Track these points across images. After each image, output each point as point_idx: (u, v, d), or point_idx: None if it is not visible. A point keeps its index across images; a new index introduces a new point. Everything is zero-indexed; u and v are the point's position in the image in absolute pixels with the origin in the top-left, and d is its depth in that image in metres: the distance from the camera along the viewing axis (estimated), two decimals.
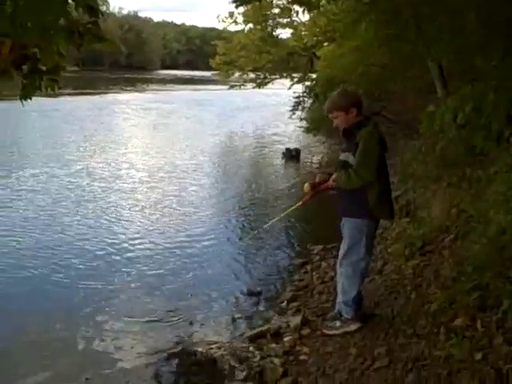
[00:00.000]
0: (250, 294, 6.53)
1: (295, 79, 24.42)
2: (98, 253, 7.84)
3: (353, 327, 4.76)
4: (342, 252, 4.76)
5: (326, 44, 21.03)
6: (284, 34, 25.46)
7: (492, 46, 6.44)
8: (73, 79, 39.98)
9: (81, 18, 3.04)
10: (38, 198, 10.88)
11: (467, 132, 6.29)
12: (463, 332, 4.17)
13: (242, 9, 22.07)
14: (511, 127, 5.66)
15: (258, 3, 17.71)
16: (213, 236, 8.82)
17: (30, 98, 3.28)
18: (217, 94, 42.10)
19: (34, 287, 6.63)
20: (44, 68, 3.15)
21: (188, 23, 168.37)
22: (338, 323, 4.84)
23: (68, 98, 31.65)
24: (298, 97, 20.02)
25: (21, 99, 3.28)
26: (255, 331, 5.31)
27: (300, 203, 5.11)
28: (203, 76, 68.16)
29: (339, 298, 4.85)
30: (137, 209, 10.39)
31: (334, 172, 4.79)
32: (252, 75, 26.45)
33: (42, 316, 5.85)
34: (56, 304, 6.22)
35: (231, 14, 24.59)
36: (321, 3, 14.72)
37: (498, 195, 5.26)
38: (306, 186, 4.85)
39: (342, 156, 4.67)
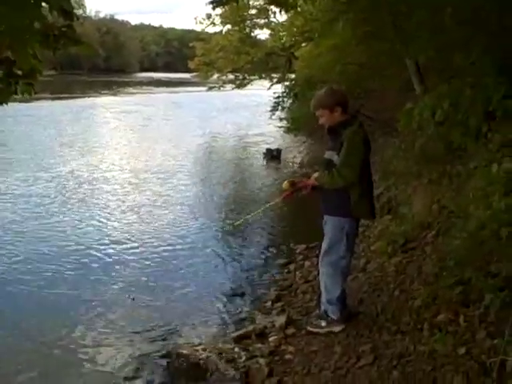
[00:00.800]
0: (234, 294, 6.52)
1: (274, 80, 24.45)
2: (84, 255, 7.83)
3: (338, 328, 4.76)
4: (323, 250, 4.78)
5: (303, 44, 21.07)
6: (262, 34, 25.44)
7: (471, 43, 6.48)
8: (50, 83, 39.55)
9: (56, 21, 3.01)
10: (24, 202, 10.82)
11: (446, 128, 6.32)
12: (446, 327, 4.21)
13: (219, 10, 22.09)
14: (488, 123, 5.71)
15: (235, 4, 17.70)
16: (194, 237, 8.80)
17: (6, 103, 3.24)
18: (196, 95, 41.98)
19: (16, 296, 6.56)
20: (20, 72, 3.12)
21: (166, 25, 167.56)
22: (323, 323, 4.84)
23: (45, 103, 31.32)
24: (277, 97, 20.04)
25: None
26: (240, 332, 5.30)
27: (278, 200, 5.16)
28: (182, 78, 67.82)
29: (323, 297, 4.86)
30: (119, 211, 10.37)
31: (317, 171, 4.81)
32: (231, 76, 26.43)
33: (25, 323, 5.81)
34: (43, 310, 6.17)
35: (209, 16, 24.60)
36: (298, 3, 14.72)
37: (478, 190, 5.29)
38: (286, 183, 4.86)
39: (327, 154, 4.67)
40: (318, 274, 5.13)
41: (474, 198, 5.24)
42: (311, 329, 4.90)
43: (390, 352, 4.17)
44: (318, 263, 5.27)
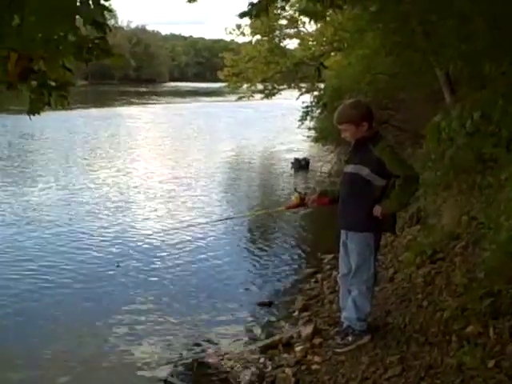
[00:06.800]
0: (261, 304, 6.53)
1: (303, 89, 24.42)
2: (113, 261, 8.00)
3: (366, 339, 4.65)
4: (352, 269, 4.57)
5: (333, 54, 21.05)
6: (291, 44, 25.51)
7: (501, 51, 6.42)
8: (81, 93, 40.17)
9: (89, 33, 3.07)
10: (60, 208, 11.12)
11: (476, 139, 6.26)
12: (475, 339, 4.15)
13: (249, 20, 22.14)
14: None
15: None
16: (221, 245, 8.84)
17: (39, 113, 3.31)
18: (226, 105, 42.16)
19: (55, 299, 6.74)
20: (53, 84, 3.18)
21: (195, 35, 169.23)
22: (350, 338, 4.69)
23: (77, 112, 31.74)
24: (306, 107, 20.01)
25: (28, 114, 3.31)
26: (266, 341, 5.31)
27: (282, 208, 6.47)
28: (212, 88, 68.21)
29: (350, 314, 4.68)
30: (153, 218, 10.63)
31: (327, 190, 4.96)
32: (260, 86, 26.47)
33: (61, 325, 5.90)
34: (73, 314, 6.33)
35: (238, 26, 24.72)
36: (327, 13, 14.73)
37: (509, 201, 5.24)
38: (296, 196, 4.96)
39: (351, 168, 4.49)
40: (339, 289, 5.07)
41: (505, 209, 5.19)
42: (341, 350, 4.68)
43: (417, 363, 4.13)
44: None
